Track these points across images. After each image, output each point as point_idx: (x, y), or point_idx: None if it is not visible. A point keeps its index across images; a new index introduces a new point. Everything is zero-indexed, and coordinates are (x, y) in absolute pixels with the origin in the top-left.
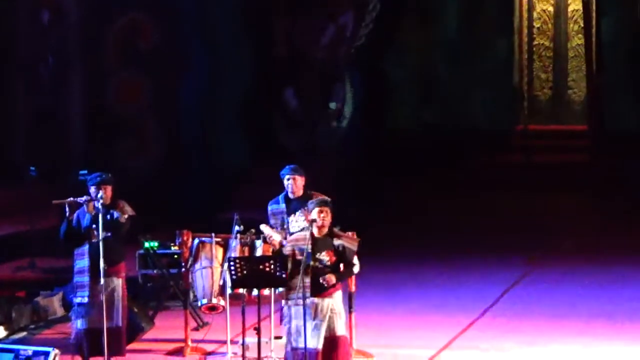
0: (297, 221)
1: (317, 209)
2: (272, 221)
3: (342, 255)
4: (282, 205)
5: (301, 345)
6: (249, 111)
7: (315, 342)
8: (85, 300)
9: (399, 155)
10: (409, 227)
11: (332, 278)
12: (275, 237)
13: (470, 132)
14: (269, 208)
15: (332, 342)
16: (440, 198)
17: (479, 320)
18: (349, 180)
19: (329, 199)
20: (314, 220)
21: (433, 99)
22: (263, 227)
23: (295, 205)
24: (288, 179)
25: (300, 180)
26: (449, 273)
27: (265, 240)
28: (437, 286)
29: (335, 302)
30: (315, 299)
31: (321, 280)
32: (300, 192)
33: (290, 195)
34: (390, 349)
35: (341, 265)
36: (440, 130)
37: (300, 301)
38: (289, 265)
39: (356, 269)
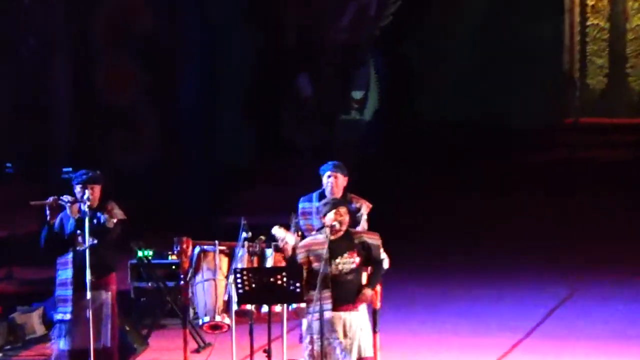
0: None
1: (333, 212)
2: (302, 221)
3: (368, 252)
4: (316, 204)
5: None
6: (254, 104)
7: None
8: (68, 317)
9: (426, 151)
10: (436, 233)
11: (367, 293)
12: (290, 239)
13: (507, 126)
14: (300, 205)
15: None
16: (472, 199)
17: (523, 342)
18: (369, 181)
19: (342, 200)
20: (332, 226)
21: (467, 89)
22: (276, 230)
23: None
24: (329, 176)
25: (343, 180)
26: (484, 285)
27: (277, 249)
28: (471, 301)
29: (362, 316)
30: (342, 314)
31: (358, 302)
32: (339, 194)
33: (327, 195)
34: None
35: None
36: (474, 123)
37: (325, 313)
38: (304, 274)
39: (386, 264)
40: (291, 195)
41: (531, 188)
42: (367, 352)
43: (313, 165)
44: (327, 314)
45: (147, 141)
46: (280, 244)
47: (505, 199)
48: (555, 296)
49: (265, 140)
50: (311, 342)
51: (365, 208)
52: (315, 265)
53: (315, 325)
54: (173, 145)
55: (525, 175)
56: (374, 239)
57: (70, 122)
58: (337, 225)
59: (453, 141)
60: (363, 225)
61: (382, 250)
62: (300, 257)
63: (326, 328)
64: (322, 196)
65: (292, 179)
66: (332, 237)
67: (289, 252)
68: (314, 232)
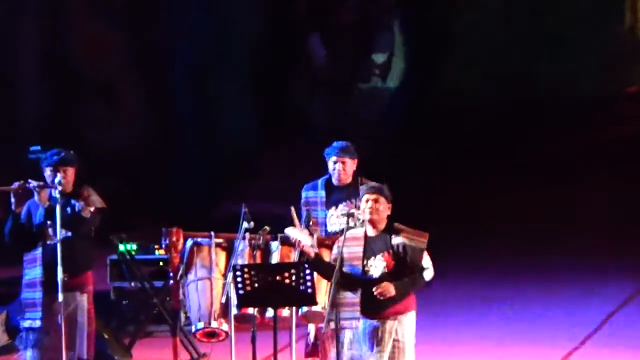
0: (338, 216)
1: (365, 197)
2: (304, 211)
3: (403, 257)
4: (321, 193)
5: None
6: (260, 73)
7: None
8: (38, 323)
9: (461, 127)
10: (472, 225)
11: (389, 288)
12: (304, 239)
13: (555, 98)
14: (303, 194)
15: None
16: (514, 185)
17: (577, 351)
18: (393, 161)
19: (385, 186)
20: (350, 215)
21: (508, 55)
22: (290, 231)
23: (338, 194)
24: (335, 162)
25: (351, 164)
26: (529, 287)
27: (283, 242)
28: (515, 305)
29: (401, 327)
30: (374, 322)
31: (374, 291)
32: (348, 179)
33: (335, 182)
34: None
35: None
36: (517, 95)
37: (352, 322)
38: (337, 275)
39: (428, 275)
40: (302, 179)
41: (589, 171)
42: None
43: (328, 143)
44: (354, 323)
45: (132, 117)
46: (297, 246)
47: (561, 185)
48: (617, 299)
49: (272, 115)
50: (338, 354)
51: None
52: (347, 265)
53: (342, 335)
54: (163, 122)
55: (584, 157)
56: (417, 242)
57: (42, 95)
58: (366, 213)
59: (493, 117)
60: None
61: (427, 258)
62: (334, 252)
63: (355, 339)
64: (328, 183)
65: (303, 160)
66: (372, 233)
67: (312, 254)
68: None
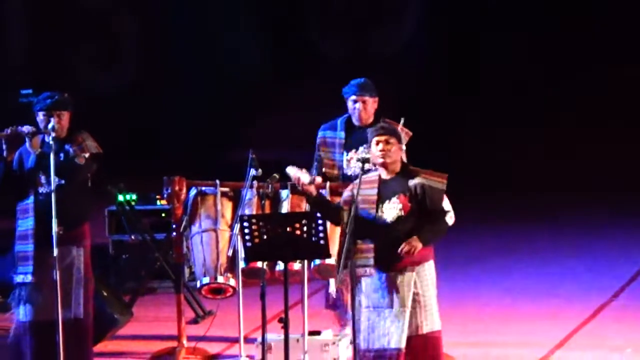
0: (358, 159)
1: (375, 139)
2: (320, 154)
3: (421, 199)
4: (341, 134)
5: (376, 344)
6: (269, 6)
7: (397, 339)
8: (30, 278)
9: (493, 70)
10: (499, 179)
11: (415, 242)
12: (304, 177)
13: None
14: (320, 134)
15: (420, 343)
16: (544, 134)
17: (605, 309)
18: (418, 107)
19: (395, 127)
20: (365, 160)
21: None
22: (289, 169)
23: (359, 135)
24: (355, 102)
25: (372, 103)
26: (557, 244)
27: (294, 190)
28: (541, 262)
29: (420, 279)
30: (391, 274)
31: (401, 251)
32: (370, 119)
33: (355, 122)
34: (480, 347)
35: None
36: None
37: (366, 270)
38: (345, 218)
39: (450, 219)
40: (315, 122)
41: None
42: (432, 325)
43: (345, 83)
44: (368, 270)
45: (128, 55)
46: (298, 186)
47: (602, 128)
48: None
49: (283, 51)
50: (358, 307)
51: (403, 137)
52: (361, 208)
53: (364, 283)
54: (162, 60)
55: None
56: (436, 181)
57: (29, 33)
58: (377, 157)
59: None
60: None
61: (446, 199)
62: (345, 194)
63: (370, 290)
64: (349, 124)
65: (316, 101)
66: (385, 176)
67: (313, 192)
68: (336, 170)
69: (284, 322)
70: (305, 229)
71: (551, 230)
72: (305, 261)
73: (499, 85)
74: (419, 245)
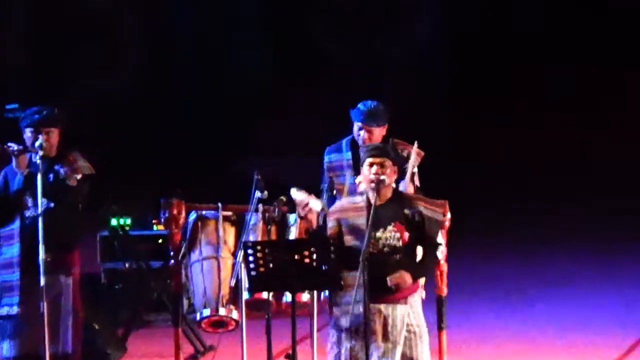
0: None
1: (368, 161)
2: (326, 179)
3: (419, 228)
4: (347, 155)
5: None
6: (276, 8)
7: None
8: (15, 310)
9: (520, 79)
10: (519, 196)
11: (405, 277)
12: (314, 204)
13: None
14: (326, 158)
15: None
16: (570, 146)
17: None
18: (433, 118)
19: (390, 146)
20: (380, 182)
21: None
22: (294, 193)
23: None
24: (360, 129)
25: (380, 132)
26: (585, 270)
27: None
28: (568, 290)
29: (412, 311)
30: (381, 307)
31: (389, 282)
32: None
33: (359, 141)
34: None
35: (419, 250)
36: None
37: (357, 308)
38: (330, 251)
39: (440, 253)
40: (325, 132)
41: None
42: (428, 358)
43: (355, 90)
44: (360, 308)
45: (127, 61)
46: (302, 211)
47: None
48: None
49: (289, 56)
50: (338, 343)
51: (414, 157)
52: (347, 238)
53: (345, 321)
54: (165, 67)
55: None
56: (434, 211)
57: (19, 35)
58: (373, 180)
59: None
60: (408, 181)
61: (441, 231)
62: (329, 226)
63: (359, 326)
64: (355, 143)
65: (326, 110)
66: (377, 202)
67: (314, 222)
68: (346, 195)
69: (291, 358)
70: (315, 256)
71: (579, 255)
72: (315, 292)
73: (525, 91)
74: (409, 280)
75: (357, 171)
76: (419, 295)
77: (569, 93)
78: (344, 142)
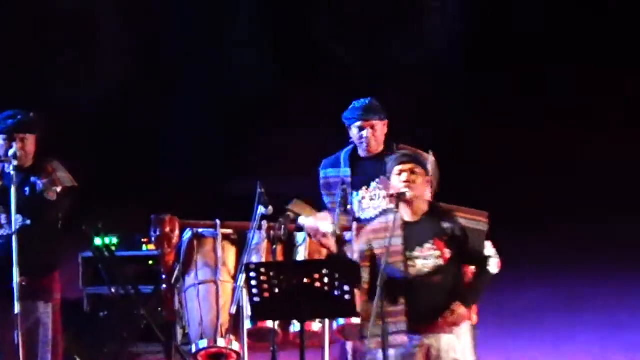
0: (373, 198)
1: (397, 168)
2: (326, 198)
3: (461, 244)
4: (345, 170)
5: None
6: (276, 8)
7: None
8: None
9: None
10: (553, 211)
11: (459, 310)
12: (324, 226)
13: None
14: (321, 174)
15: None
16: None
17: None
18: (448, 129)
19: (421, 154)
20: (401, 195)
21: None
22: (302, 220)
23: (369, 169)
24: (361, 128)
25: (382, 128)
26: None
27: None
28: (614, 321)
29: (460, 342)
30: (423, 337)
31: (442, 322)
32: (380, 148)
33: (362, 153)
34: None
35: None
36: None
37: (397, 338)
38: (365, 277)
39: (494, 266)
40: (334, 139)
41: None
42: None
43: (366, 92)
44: (398, 339)
45: (111, 65)
46: (315, 239)
47: None
48: None
49: (292, 56)
50: None
51: (430, 164)
52: (382, 262)
53: (381, 357)
54: (151, 70)
55: None
56: (476, 221)
57: None
58: (407, 191)
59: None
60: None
61: (490, 244)
62: (360, 249)
63: (401, 358)
64: (354, 156)
65: (333, 114)
66: (409, 218)
67: (332, 247)
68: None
69: None
70: (326, 280)
71: (627, 280)
72: (327, 320)
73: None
74: (466, 313)
75: (355, 188)
76: (468, 325)
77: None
78: (342, 154)
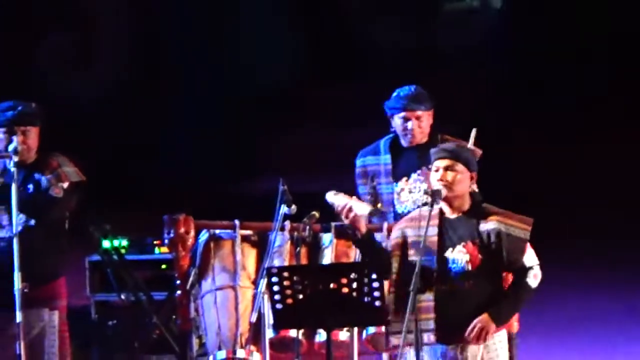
0: (413, 190)
1: (435, 163)
2: (361, 188)
3: (496, 251)
4: (386, 158)
5: None
6: None
7: None
8: None
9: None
10: (609, 214)
11: (486, 324)
12: (359, 207)
13: None
14: (359, 162)
15: None
16: None
17: None
18: (494, 118)
19: (464, 148)
20: (435, 192)
21: None
22: (331, 197)
23: (411, 159)
24: (406, 119)
25: (428, 118)
26: None
27: (340, 234)
28: None
29: (491, 355)
30: (448, 346)
31: (467, 336)
32: (424, 139)
33: (404, 143)
34: None
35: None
36: None
37: (425, 336)
38: (395, 267)
39: (534, 279)
40: (367, 136)
41: None
42: None
43: (401, 85)
44: (426, 337)
45: (114, 52)
46: (345, 218)
47: None
48: None
49: (321, 45)
50: None
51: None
52: (413, 259)
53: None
54: (159, 58)
55: None
56: (517, 228)
57: None
58: (442, 189)
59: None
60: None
61: (530, 251)
62: (392, 241)
63: None
64: (395, 145)
65: (367, 109)
66: (449, 214)
67: (362, 229)
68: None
69: None
70: (355, 285)
71: None
72: (355, 329)
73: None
74: (492, 327)
75: (395, 178)
76: (503, 336)
77: None
78: (382, 142)
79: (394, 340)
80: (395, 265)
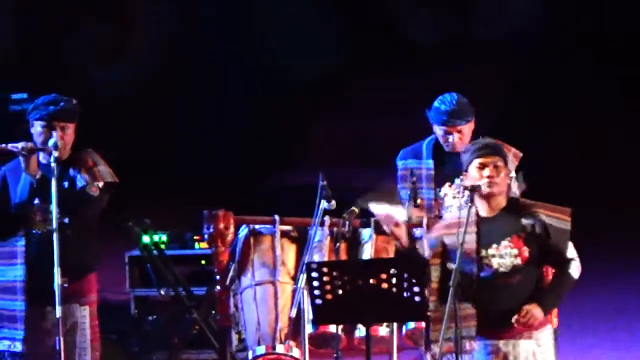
0: (455, 196)
1: (476, 162)
2: (404, 192)
3: (542, 242)
4: (428, 162)
5: None
6: None
7: None
8: (19, 347)
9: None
10: None
11: (534, 313)
12: (397, 214)
13: None
14: (401, 164)
15: None
16: None
17: None
18: (535, 115)
19: (501, 145)
20: (474, 188)
21: None
22: (375, 207)
23: (455, 164)
24: (446, 132)
25: (469, 131)
26: None
27: (380, 229)
28: None
29: (542, 348)
30: (500, 343)
31: (514, 322)
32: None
33: (446, 147)
34: None
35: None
36: None
37: (466, 344)
38: (435, 276)
39: (576, 270)
40: (408, 128)
41: None
42: None
43: (441, 76)
44: (467, 345)
45: (143, 41)
46: (386, 227)
47: None
48: None
49: (359, 36)
50: None
51: (511, 160)
52: (453, 266)
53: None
54: (192, 47)
55: None
56: (559, 219)
57: (16, 14)
58: (484, 186)
59: None
60: (514, 189)
61: (571, 245)
62: (431, 250)
63: None
64: (437, 148)
65: (402, 102)
66: (487, 213)
67: (404, 238)
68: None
69: None
70: (394, 280)
71: None
72: (395, 325)
73: None
74: (540, 315)
75: (438, 184)
76: (549, 331)
77: None
78: (424, 145)
79: (435, 349)
80: (435, 274)
